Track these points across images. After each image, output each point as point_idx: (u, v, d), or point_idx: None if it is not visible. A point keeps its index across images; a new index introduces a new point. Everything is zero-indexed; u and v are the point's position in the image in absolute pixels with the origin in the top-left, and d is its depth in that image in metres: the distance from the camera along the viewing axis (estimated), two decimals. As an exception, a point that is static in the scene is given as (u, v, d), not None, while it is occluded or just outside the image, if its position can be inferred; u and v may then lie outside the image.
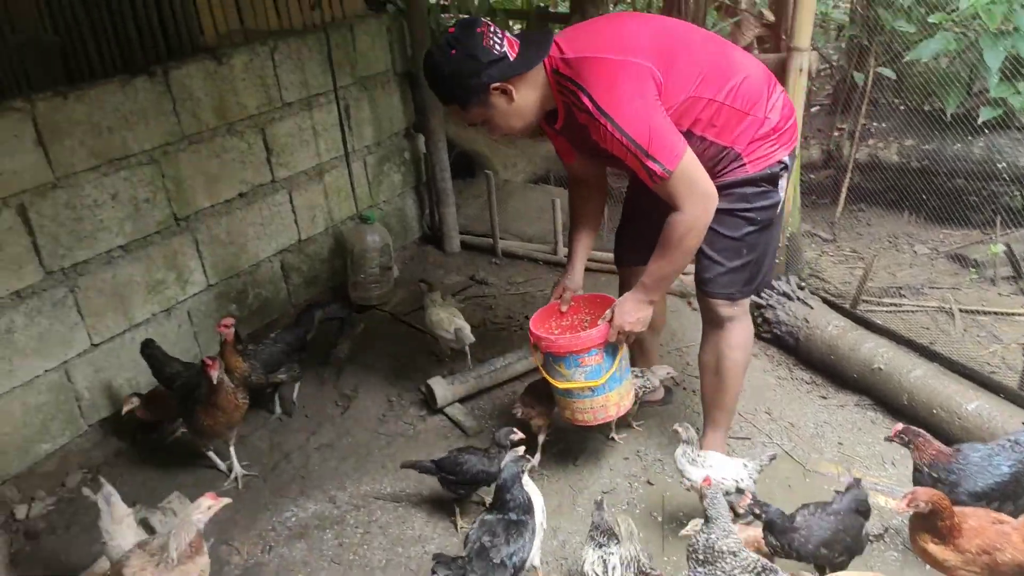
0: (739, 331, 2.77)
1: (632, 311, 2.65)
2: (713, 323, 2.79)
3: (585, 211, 2.98)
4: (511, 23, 6.32)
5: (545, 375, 2.92)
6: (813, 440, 3.16)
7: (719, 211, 2.45)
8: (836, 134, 4.87)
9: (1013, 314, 3.85)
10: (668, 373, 3.21)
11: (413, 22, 4.49)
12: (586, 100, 2.33)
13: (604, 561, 2.29)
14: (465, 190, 5.54)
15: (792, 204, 3.85)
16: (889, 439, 2.57)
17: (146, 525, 2.77)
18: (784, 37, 3.66)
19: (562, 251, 4.71)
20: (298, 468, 3.23)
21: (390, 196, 4.91)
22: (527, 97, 2.45)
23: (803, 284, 3.82)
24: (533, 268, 4.80)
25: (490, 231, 4.96)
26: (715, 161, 2.51)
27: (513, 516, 2.35)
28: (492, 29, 2.37)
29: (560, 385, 2.86)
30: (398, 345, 4.06)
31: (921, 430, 2.54)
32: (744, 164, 2.51)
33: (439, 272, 4.88)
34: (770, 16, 7.81)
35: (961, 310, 3.91)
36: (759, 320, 3.75)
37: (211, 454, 3.21)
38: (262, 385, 3.39)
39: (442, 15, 6.04)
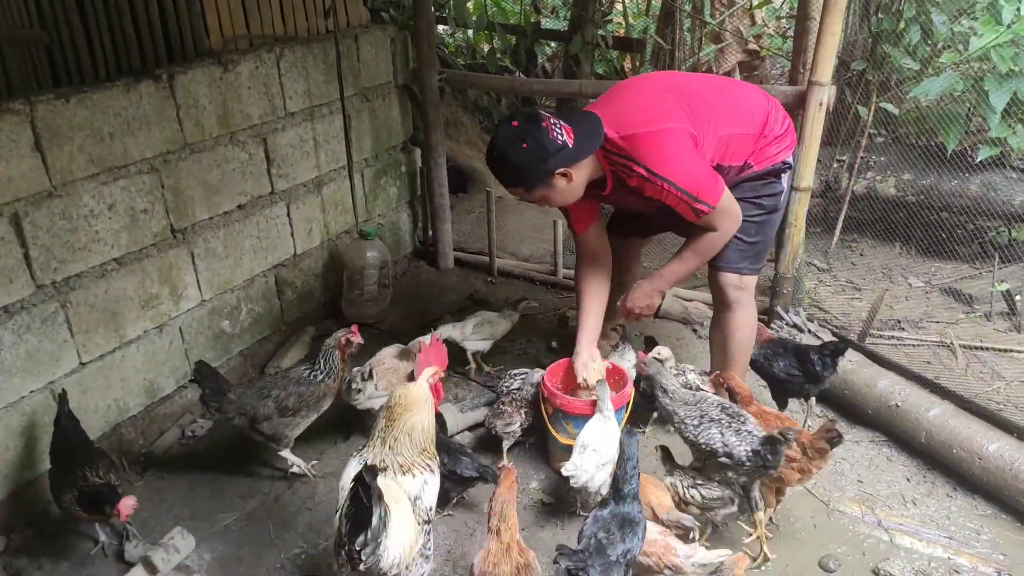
0: (743, 313, 3.12)
1: (645, 296, 3.11)
2: (722, 304, 3.14)
3: (592, 299, 3.19)
4: (508, 37, 6.24)
5: (550, 427, 3.06)
6: (833, 477, 3.13)
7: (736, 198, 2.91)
8: (835, 165, 4.91)
9: (1012, 351, 3.91)
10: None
11: (419, 35, 4.37)
12: (640, 169, 2.75)
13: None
14: (458, 205, 5.44)
15: (800, 236, 3.84)
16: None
17: (148, 564, 2.59)
18: (803, 70, 3.64)
19: (562, 272, 4.64)
20: (304, 499, 3.06)
21: (386, 210, 4.77)
22: (581, 175, 2.82)
23: (811, 318, 3.82)
24: (530, 288, 4.71)
25: (486, 249, 4.86)
26: (734, 172, 2.95)
27: (626, 509, 2.33)
28: (553, 121, 2.71)
29: (564, 441, 2.99)
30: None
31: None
32: (752, 166, 2.96)
33: (434, 290, 4.75)
34: (755, 44, 7.93)
35: (961, 345, 3.95)
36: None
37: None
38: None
39: (440, 28, 5.94)
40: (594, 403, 2.93)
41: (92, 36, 3.63)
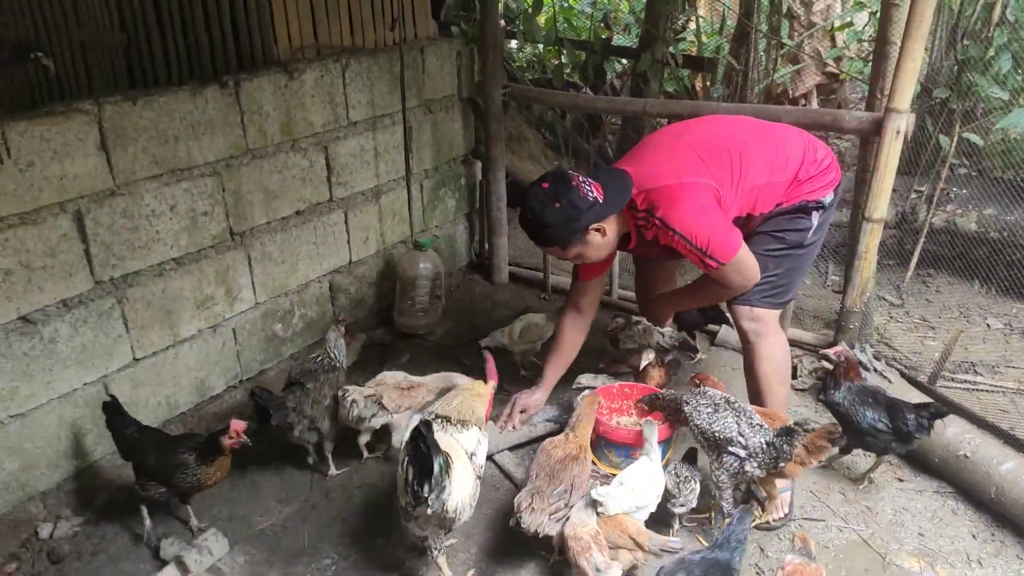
0: (765, 345, 3.00)
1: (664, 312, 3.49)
2: (742, 338, 3.07)
3: (569, 341, 3.36)
4: (577, 53, 6.19)
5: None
6: (892, 528, 2.94)
7: (754, 232, 2.95)
8: (913, 196, 4.68)
9: (1099, 405, 3.62)
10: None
11: (485, 48, 4.36)
12: (656, 221, 2.81)
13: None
14: (515, 220, 5.38)
15: (870, 269, 3.66)
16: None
17: (180, 564, 2.60)
18: (880, 96, 3.47)
19: (616, 292, 4.54)
20: (339, 509, 3.04)
21: (442, 222, 4.76)
22: (612, 229, 2.89)
23: (879, 355, 3.63)
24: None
25: (541, 264, 4.81)
26: (763, 216, 2.95)
27: (718, 555, 2.30)
28: (582, 179, 2.79)
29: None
30: (444, 381, 3.88)
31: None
32: (782, 204, 2.93)
33: (487, 304, 4.71)
34: (834, 67, 7.68)
35: (1042, 395, 3.69)
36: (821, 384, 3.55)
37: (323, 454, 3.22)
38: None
39: (509, 42, 5.93)
40: (639, 433, 2.85)
41: (167, 41, 3.73)
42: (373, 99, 3.99)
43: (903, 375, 3.57)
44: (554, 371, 3.39)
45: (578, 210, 2.75)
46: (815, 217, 2.93)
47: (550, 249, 2.94)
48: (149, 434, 2.86)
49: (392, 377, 3.29)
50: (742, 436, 2.68)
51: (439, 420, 2.61)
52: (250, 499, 3.09)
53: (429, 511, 2.29)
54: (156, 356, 3.28)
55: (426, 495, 2.25)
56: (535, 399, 3.36)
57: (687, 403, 2.84)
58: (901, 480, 3.18)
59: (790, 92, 7.96)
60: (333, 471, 3.22)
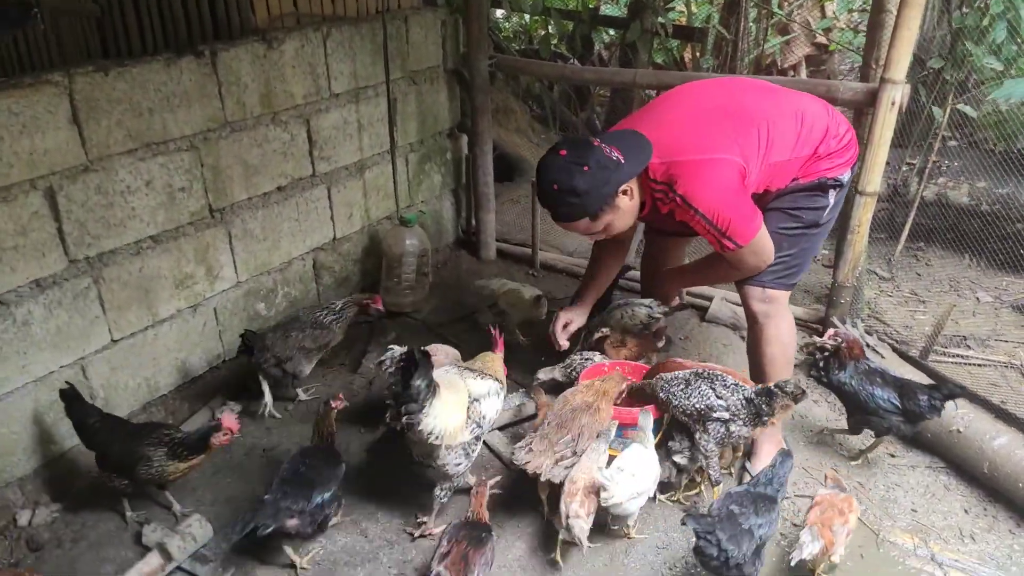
0: (774, 327, 2.93)
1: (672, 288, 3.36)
2: (750, 319, 2.98)
3: (605, 261, 3.28)
4: (565, 23, 6.06)
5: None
6: (885, 504, 2.92)
7: (767, 208, 2.78)
8: (905, 169, 4.63)
9: (1090, 378, 3.62)
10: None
11: (470, 18, 4.24)
12: (676, 197, 2.62)
13: None
14: (502, 195, 5.31)
15: (862, 243, 3.61)
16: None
17: (163, 551, 2.54)
18: (875, 66, 3.39)
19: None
20: (327, 492, 2.99)
21: (428, 197, 4.67)
22: (636, 193, 2.70)
23: (871, 330, 3.59)
24: (573, 283, 4.54)
25: (529, 241, 4.73)
26: (778, 192, 2.80)
27: (764, 490, 2.48)
28: (600, 142, 2.59)
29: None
30: (432, 359, 3.82)
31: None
32: (798, 179, 2.77)
33: (474, 281, 4.62)
34: (823, 38, 7.59)
35: (1032, 368, 3.68)
36: (821, 364, 3.51)
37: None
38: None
39: (496, 12, 5.79)
40: (630, 414, 2.81)
41: (141, 9, 3.58)
42: (356, 70, 3.87)
43: (894, 350, 3.54)
44: (591, 288, 3.29)
45: (607, 170, 2.54)
46: (832, 195, 2.79)
47: (577, 224, 2.68)
48: (112, 423, 2.77)
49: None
50: (720, 399, 2.68)
51: (460, 369, 2.78)
52: (235, 483, 3.02)
53: (404, 420, 2.41)
54: (135, 337, 3.19)
55: (403, 407, 2.38)
56: (576, 312, 3.28)
57: (661, 391, 2.81)
58: (893, 456, 3.17)
59: (779, 63, 7.88)
60: (301, 395, 3.51)
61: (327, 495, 2.59)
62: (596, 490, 2.50)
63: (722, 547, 2.26)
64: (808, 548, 2.37)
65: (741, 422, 2.68)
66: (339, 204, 4.01)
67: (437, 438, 2.50)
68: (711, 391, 2.70)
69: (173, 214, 3.20)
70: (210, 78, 3.19)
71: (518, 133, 5.59)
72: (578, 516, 2.45)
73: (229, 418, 2.67)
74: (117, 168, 2.94)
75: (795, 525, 2.81)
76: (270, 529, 2.43)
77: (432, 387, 2.46)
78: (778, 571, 2.65)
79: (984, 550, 2.72)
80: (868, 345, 3.47)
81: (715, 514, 2.37)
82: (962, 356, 3.77)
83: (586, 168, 2.52)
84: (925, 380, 3.14)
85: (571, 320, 3.28)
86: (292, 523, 2.51)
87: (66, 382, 2.81)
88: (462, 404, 2.61)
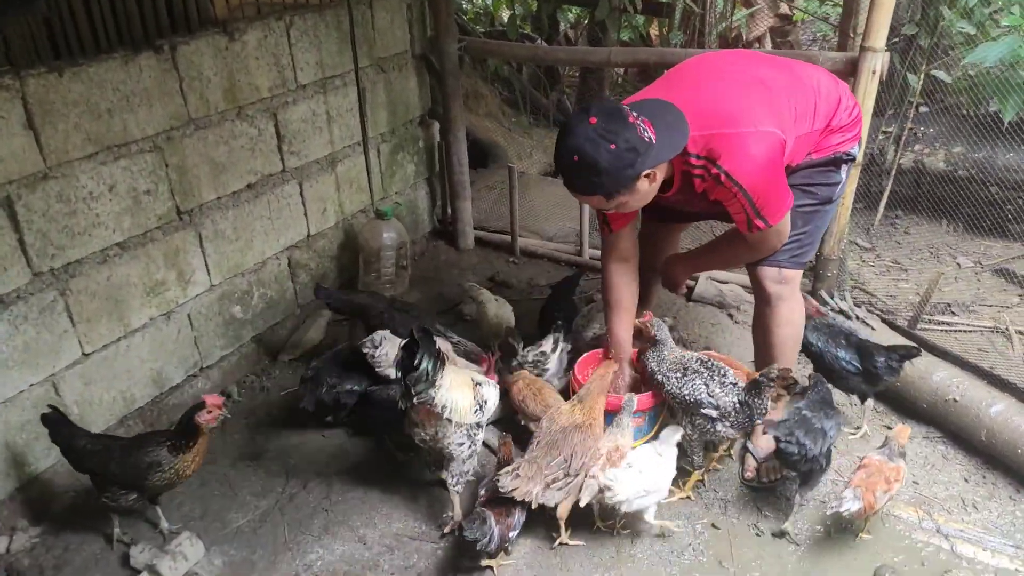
0: (786, 308, 2.82)
1: (684, 275, 3.11)
2: (762, 300, 2.84)
3: (626, 294, 2.94)
4: (530, 3, 5.94)
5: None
6: (885, 478, 2.91)
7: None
8: (881, 137, 4.61)
9: (1074, 338, 3.64)
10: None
11: (437, 1, 4.11)
12: (719, 173, 2.42)
13: None
14: (477, 181, 5.20)
15: (846, 215, 3.59)
16: None
17: (153, 572, 2.43)
18: (853, 35, 3.35)
19: (588, 252, 4.41)
20: (319, 499, 2.89)
21: (403, 188, 4.55)
22: (660, 176, 2.47)
23: (859, 302, 3.58)
24: (555, 269, 4.48)
25: (508, 228, 4.64)
26: (794, 168, 2.66)
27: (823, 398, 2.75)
28: (636, 115, 2.32)
29: None
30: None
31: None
32: (812, 155, 2.66)
33: (454, 272, 4.54)
34: (786, 8, 7.56)
35: (1017, 331, 3.69)
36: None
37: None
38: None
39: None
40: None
41: (92, 7, 3.40)
42: (322, 59, 3.72)
43: (884, 320, 3.53)
44: (625, 330, 2.97)
45: (636, 153, 2.29)
46: (844, 171, 2.70)
47: (590, 198, 2.47)
48: (104, 441, 2.64)
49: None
50: (712, 397, 2.64)
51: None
52: (223, 495, 2.91)
53: (415, 400, 2.40)
54: (107, 350, 3.04)
55: (412, 383, 2.38)
56: (625, 376, 3.02)
57: (656, 371, 2.76)
58: (889, 428, 3.14)
59: (743, 35, 7.83)
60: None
61: None
62: (618, 457, 2.54)
63: (801, 442, 2.52)
64: (847, 505, 2.46)
65: (730, 423, 2.66)
66: (312, 199, 3.88)
67: (450, 412, 2.50)
68: (704, 387, 2.67)
69: (140, 219, 3.05)
70: (170, 74, 3.03)
71: (489, 117, 5.48)
72: (596, 478, 2.50)
73: (210, 396, 2.57)
74: (78, 174, 2.78)
75: (888, 428, 3.03)
76: None
77: (439, 360, 2.47)
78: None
79: (987, 518, 2.72)
80: (857, 318, 3.45)
81: (790, 418, 2.62)
82: (948, 323, 3.77)
83: (613, 146, 2.27)
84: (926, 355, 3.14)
85: (618, 378, 3.01)
86: None
87: (48, 405, 2.66)
88: (468, 384, 2.62)
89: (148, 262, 3.12)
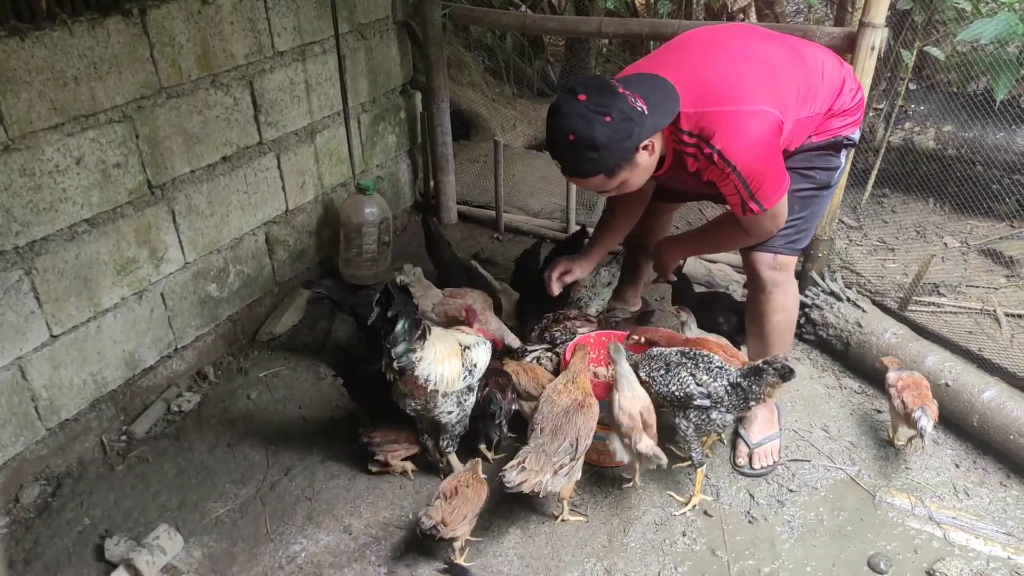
0: (782, 295, 2.76)
1: (673, 259, 3.02)
2: (755, 286, 2.77)
3: (624, 210, 2.98)
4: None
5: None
6: (877, 463, 2.89)
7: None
8: (871, 114, 4.54)
9: (1061, 321, 3.64)
10: None
11: (421, -36, 3.94)
12: (712, 152, 2.34)
13: None
14: (460, 154, 5.04)
15: (839, 195, 3.53)
16: None
17: (130, 567, 2.33)
18: (851, 10, 3.26)
19: (574, 228, 4.31)
20: (303, 487, 2.79)
21: (384, 160, 4.40)
22: (657, 148, 2.40)
23: (849, 284, 3.53)
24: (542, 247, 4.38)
25: (492, 202, 4.52)
26: (793, 152, 2.59)
27: None
28: (622, 87, 2.27)
29: None
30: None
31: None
32: (812, 138, 2.59)
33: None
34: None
35: (1005, 313, 3.68)
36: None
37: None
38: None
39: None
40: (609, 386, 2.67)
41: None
42: (300, 24, 3.55)
43: (875, 303, 3.49)
44: (606, 236, 3.00)
45: (631, 122, 2.22)
46: (843, 155, 2.65)
47: (590, 180, 2.37)
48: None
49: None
50: (700, 386, 2.57)
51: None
52: (202, 483, 2.81)
53: (396, 365, 2.36)
54: (76, 331, 2.90)
55: (392, 345, 2.33)
56: (579, 263, 3.01)
57: (641, 372, 2.67)
58: (880, 411, 3.13)
59: (729, 6, 7.70)
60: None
61: None
62: (651, 411, 2.55)
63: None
64: (923, 424, 2.66)
65: (724, 409, 2.59)
66: (290, 173, 3.73)
67: (435, 384, 2.48)
68: (691, 378, 2.58)
69: (109, 193, 2.89)
70: (140, 39, 2.85)
71: (472, 87, 5.31)
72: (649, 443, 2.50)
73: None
74: (43, 146, 2.61)
75: (878, 412, 3.10)
76: None
77: (420, 327, 2.44)
78: (809, 507, 2.74)
79: (979, 505, 2.71)
80: (849, 299, 3.41)
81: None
82: (936, 304, 3.75)
83: (608, 118, 2.19)
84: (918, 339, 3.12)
85: (571, 269, 3.03)
86: None
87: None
88: (456, 351, 2.58)
89: (119, 239, 2.97)
